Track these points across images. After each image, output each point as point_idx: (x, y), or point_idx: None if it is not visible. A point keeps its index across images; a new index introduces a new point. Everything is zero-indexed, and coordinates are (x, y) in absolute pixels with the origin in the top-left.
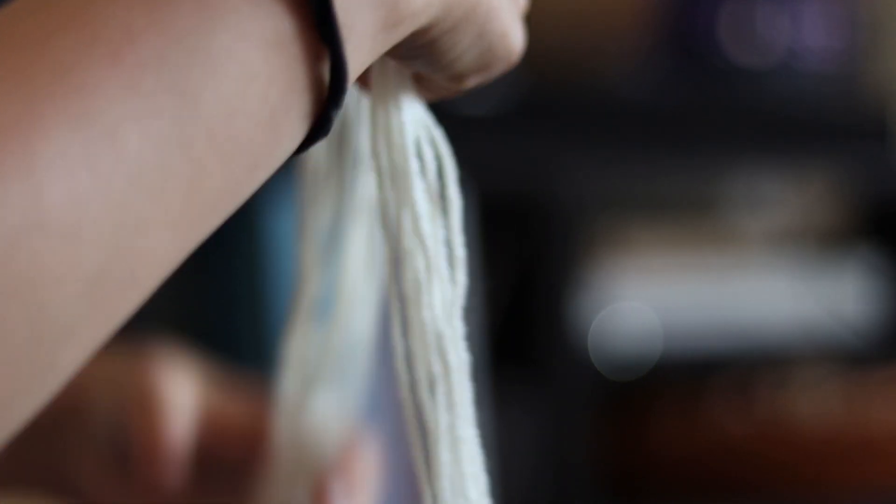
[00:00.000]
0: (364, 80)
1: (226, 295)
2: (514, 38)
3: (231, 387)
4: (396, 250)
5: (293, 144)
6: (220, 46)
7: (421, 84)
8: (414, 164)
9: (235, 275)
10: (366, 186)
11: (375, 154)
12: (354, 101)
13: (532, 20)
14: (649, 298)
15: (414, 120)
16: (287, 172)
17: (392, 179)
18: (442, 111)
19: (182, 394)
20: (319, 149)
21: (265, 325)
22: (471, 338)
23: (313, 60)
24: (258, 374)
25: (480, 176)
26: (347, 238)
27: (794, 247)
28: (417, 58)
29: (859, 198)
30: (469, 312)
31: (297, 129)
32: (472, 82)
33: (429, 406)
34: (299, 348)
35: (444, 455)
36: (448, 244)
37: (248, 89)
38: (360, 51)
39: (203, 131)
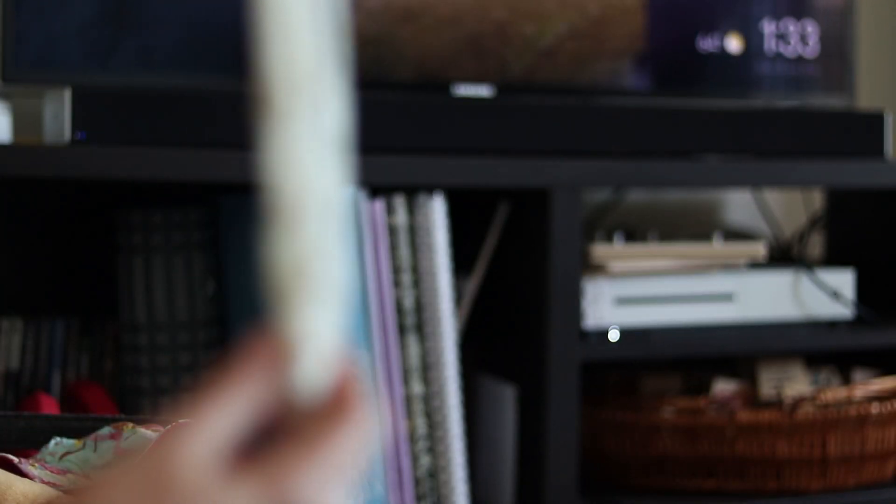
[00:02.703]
0: None
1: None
2: None
3: None
4: None
5: None
6: None
7: None
8: None
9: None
10: None
11: None
12: None
13: (530, 17)
14: (645, 296)
15: None
16: None
17: None
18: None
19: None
20: None
21: None
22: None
23: None
24: None
25: (462, 167)
26: None
27: (790, 247)
28: None
29: (855, 204)
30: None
31: None
32: None
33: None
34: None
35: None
36: None
37: None
38: None
39: None
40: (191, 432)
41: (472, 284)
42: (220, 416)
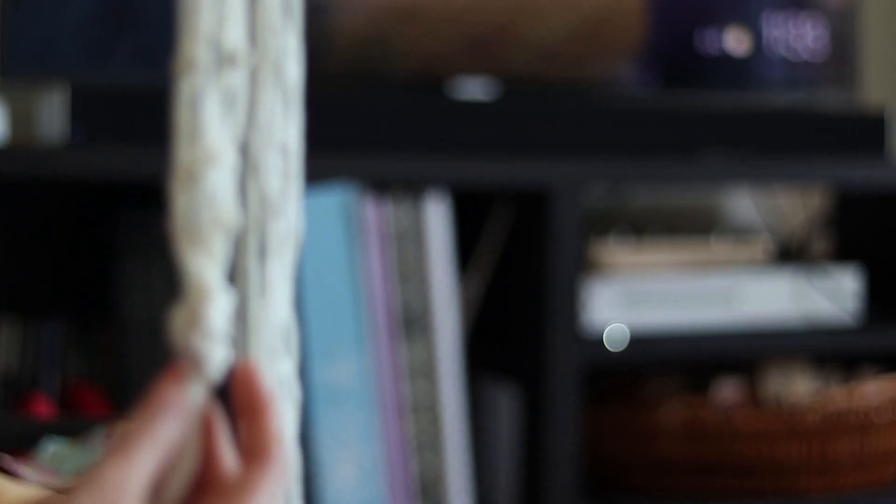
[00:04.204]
0: None
1: None
2: None
3: None
4: None
5: None
6: None
7: None
8: None
9: None
10: None
11: None
12: None
13: (530, 16)
14: (646, 296)
15: None
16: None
17: None
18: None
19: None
20: None
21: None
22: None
23: None
24: None
25: (460, 168)
26: None
27: (792, 247)
28: None
29: (855, 205)
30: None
31: None
32: None
33: None
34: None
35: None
36: None
37: None
38: None
39: None
40: (120, 479)
41: (473, 285)
42: (142, 461)
